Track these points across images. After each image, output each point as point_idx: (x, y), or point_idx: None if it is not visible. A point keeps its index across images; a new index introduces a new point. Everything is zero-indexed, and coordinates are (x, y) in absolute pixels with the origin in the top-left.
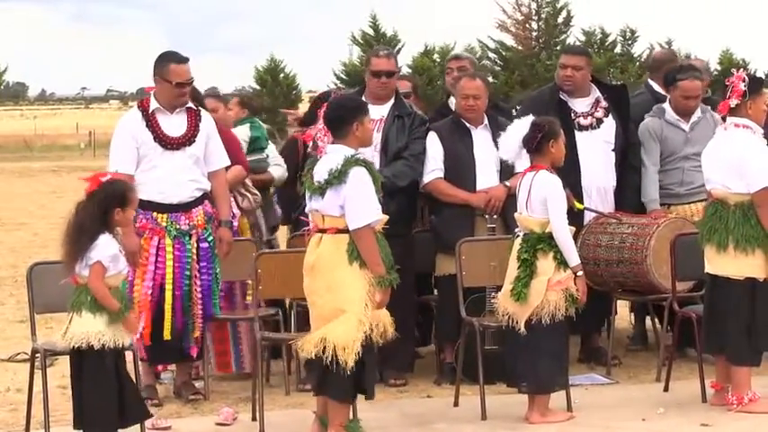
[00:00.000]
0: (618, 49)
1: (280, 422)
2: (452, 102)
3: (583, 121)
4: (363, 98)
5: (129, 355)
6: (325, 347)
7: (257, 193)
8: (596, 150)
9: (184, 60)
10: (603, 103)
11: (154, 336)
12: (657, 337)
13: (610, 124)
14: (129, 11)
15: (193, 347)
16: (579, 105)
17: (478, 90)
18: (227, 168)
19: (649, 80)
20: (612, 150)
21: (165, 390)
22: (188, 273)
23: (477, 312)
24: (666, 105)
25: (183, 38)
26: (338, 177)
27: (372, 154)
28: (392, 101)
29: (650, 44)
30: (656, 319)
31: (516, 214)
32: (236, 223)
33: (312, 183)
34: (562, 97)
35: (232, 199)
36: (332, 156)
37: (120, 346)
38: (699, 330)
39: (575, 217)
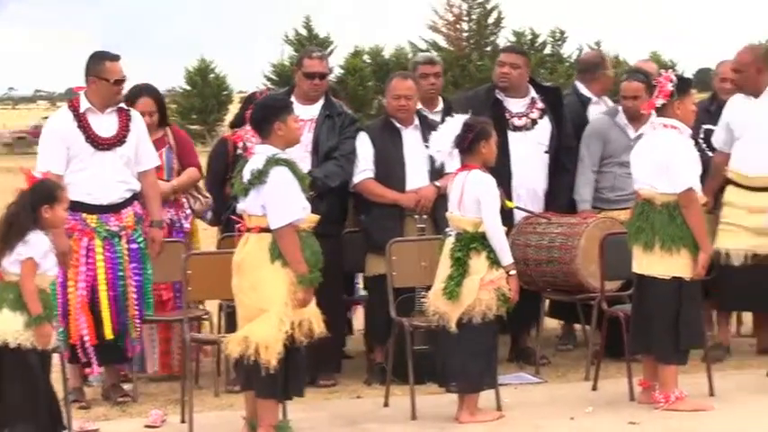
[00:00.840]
0: (548, 50)
1: (209, 424)
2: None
3: (517, 122)
4: (293, 98)
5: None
6: (248, 347)
7: (209, 195)
8: (529, 151)
9: (117, 58)
10: (539, 105)
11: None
12: (586, 337)
13: (544, 126)
14: (59, 10)
15: (136, 347)
16: (514, 106)
17: (410, 90)
18: (182, 170)
19: (576, 82)
20: (546, 152)
21: (94, 392)
22: (121, 274)
23: (407, 312)
24: (619, 107)
25: (114, 38)
26: (259, 177)
27: (304, 154)
28: (322, 101)
29: (579, 45)
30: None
31: (448, 214)
32: (188, 225)
33: (240, 184)
34: (498, 96)
35: (185, 201)
36: (257, 156)
37: (41, 348)
38: (627, 329)
39: (505, 217)
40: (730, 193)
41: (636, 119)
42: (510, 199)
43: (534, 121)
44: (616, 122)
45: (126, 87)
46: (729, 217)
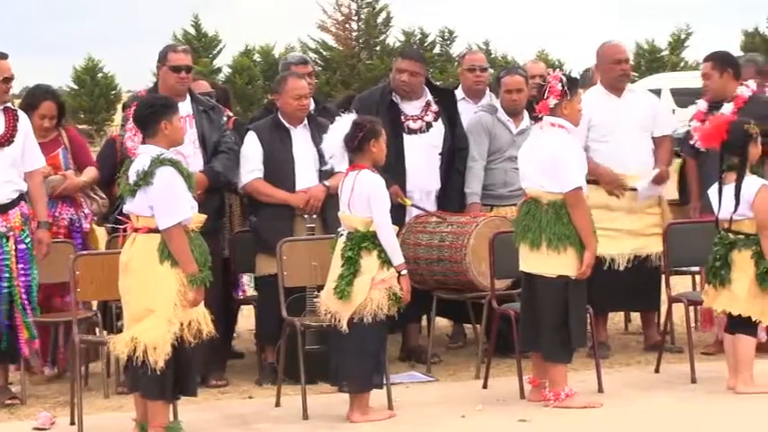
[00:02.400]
0: (437, 50)
1: (99, 426)
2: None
3: (412, 125)
4: None
5: None
6: (135, 347)
7: (104, 197)
8: (423, 154)
9: (4, 56)
10: (434, 107)
11: None
12: (477, 335)
13: (438, 128)
14: None
15: (33, 345)
16: (410, 108)
17: (307, 89)
18: (80, 170)
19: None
20: (439, 154)
21: None
22: (7, 275)
23: (298, 312)
24: (497, 103)
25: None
26: (144, 179)
27: (194, 150)
28: (188, 97)
29: (468, 45)
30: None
31: (340, 213)
32: (87, 225)
33: (126, 184)
34: (393, 99)
35: (83, 201)
36: (142, 157)
37: None
38: (516, 328)
39: (397, 216)
40: (599, 196)
41: (516, 114)
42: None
43: (429, 124)
44: (498, 118)
45: (15, 86)
46: (606, 221)
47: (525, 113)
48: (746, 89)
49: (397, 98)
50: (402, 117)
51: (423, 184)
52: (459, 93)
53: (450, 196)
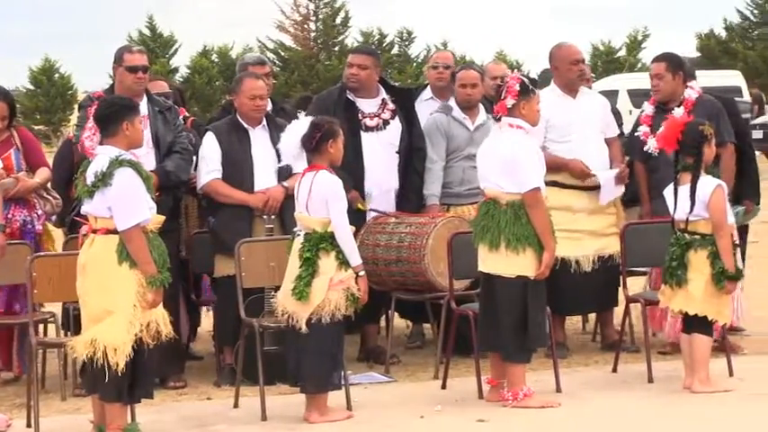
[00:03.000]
0: (395, 50)
1: (56, 428)
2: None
3: (369, 122)
4: None
5: None
6: (95, 349)
7: (58, 197)
8: (381, 151)
9: None
10: (390, 105)
11: None
12: (435, 336)
13: (396, 126)
14: None
15: None
16: (366, 106)
17: (263, 90)
18: (33, 171)
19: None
20: (397, 152)
21: None
22: None
23: (257, 313)
24: (453, 103)
25: None
26: (103, 180)
27: (148, 150)
28: (145, 97)
29: (427, 45)
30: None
31: (297, 214)
32: (39, 226)
33: (84, 185)
34: (349, 97)
35: (36, 202)
36: (100, 157)
37: None
38: (475, 328)
39: (356, 217)
40: (561, 197)
41: (471, 108)
42: (363, 199)
43: (386, 122)
44: (453, 117)
45: None
46: (569, 223)
47: (481, 108)
48: (693, 92)
49: (353, 96)
50: (359, 115)
51: (381, 181)
52: (427, 92)
53: (409, 197)
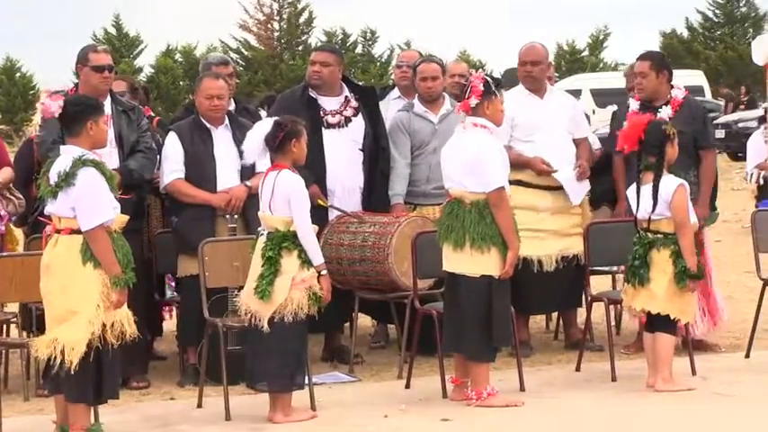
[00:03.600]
0: (359, 50)
1: (19, 428)
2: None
3: (331, 120)
4: None
5: None
6: (56, 349)
7: (21, 197)
8: (343, 149)
9: None
10: (353, 103)
11: None
12: (399, 335)
13: (359, 123)
14: None
15: None
16: (328, 103)
17: (222, 90)
18: None
19: None
20: (360, 150)
21: None
22: None
23: (220, 313)
24: (415, 100)
25: None
26: (66, 180)
27: (111, 149)
28: (108, 97)
29: (390, 45)
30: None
31: (260, 213)
32: (2, 227)
33: (47, 185)
34: (312, 95)
35: None
36: (63, 157)
37: None
38: (439, 327)
39: (319, 216)
40: (525, 197)
41: (434, 101)
42: (326, 197)
43: (348, 119)
44: (415, 113)
45: None
46: (533, 223)
47: (446, 98)
48: (680, 92)
49: (315, 94)
50: (321, 112)
51: (343, 179)
52: (395, 92)
53: (374, 197)
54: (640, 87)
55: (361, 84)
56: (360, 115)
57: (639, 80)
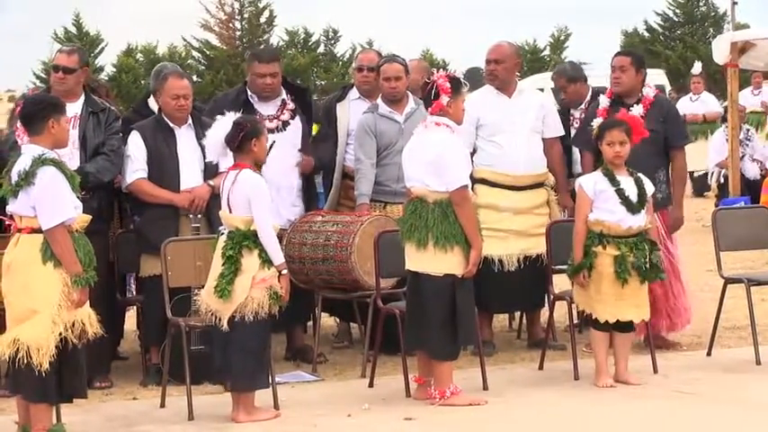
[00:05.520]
0: (321, 49)
1: None
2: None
3: (269, 125)
4: None
5: None
6: (18, 349)
7: None
8: (282, 153)
9: None
10: (290, 105)
11: None
12: (362, 334)
13: (296, 126)
14: None
15: None
16: (265, 108)
17: (187, 89)
18: None
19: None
20: (299, 150)
21: None
22: None
23: (183, 312)
24: (379, 101)
25: None
26: (26, 179)
27: (72, 151)
28: (83, 98)
29: (353, 44)
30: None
31: (221, 212)
32: None
33: (9, 184)
34: (249, 99)
35: None
36: (24, 156)
37: None
38: (402, 326)
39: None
40: (488, 196)
41: (398, 101)
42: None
43: (286, 123)
44: (380, 114)
45: None
46: (494, 222)
47: (410, 97)
48: (651, 90)
49: (254, 98)
50: (257, 117)
51: (280, 182)
52: (354, 92)
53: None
54: (618, 81)
55: (296, 84)
56: (297, 117)
57: (618, 74)
